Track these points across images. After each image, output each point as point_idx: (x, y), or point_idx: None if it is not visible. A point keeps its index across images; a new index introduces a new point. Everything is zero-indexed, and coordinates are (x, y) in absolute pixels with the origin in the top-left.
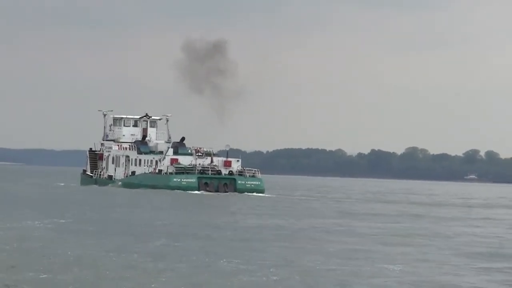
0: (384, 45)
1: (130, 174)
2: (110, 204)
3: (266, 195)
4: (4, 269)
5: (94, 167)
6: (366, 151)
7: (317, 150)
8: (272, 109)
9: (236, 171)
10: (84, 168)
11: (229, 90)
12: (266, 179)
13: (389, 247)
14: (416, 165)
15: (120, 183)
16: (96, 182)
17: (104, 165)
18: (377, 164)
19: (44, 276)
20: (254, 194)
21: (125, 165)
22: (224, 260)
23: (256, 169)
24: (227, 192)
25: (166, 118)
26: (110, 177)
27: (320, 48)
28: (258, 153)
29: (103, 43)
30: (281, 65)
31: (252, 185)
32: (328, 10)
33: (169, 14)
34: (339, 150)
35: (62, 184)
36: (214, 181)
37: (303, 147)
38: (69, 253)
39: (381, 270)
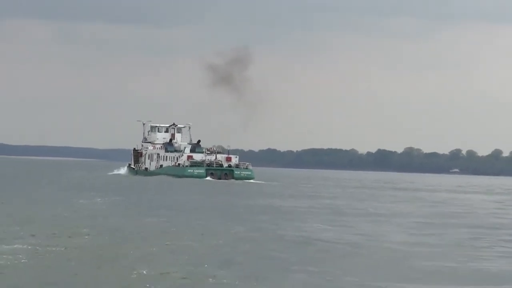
0: (385, 66)
1: (159, 166)
2: (145, 188)
3: (255, 181)
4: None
5: (136, 161)
6: (374, 150)
7: (335, 149)
8: (302, 117)
9: (234, 164)
10: (130, 163)
11: (254, 98)
12: (288, 172)
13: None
14: (412, 161)
15: (152, 172)
16: (136, 172)
17: (143, 160)
18: (382, 161)
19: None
20: (247, 180)
21: (156, 160)
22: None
23: (248, 163)
24: (227, 179)
25: (189, 126)
26: (146, 169)
27: (335, 68)
28: (290, 152)
29: (151, 66)
30: (304, 82)
31: (245, 174)
32: (347, 39)
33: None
34: (353, 149)
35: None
36: (218, 172)
37: (325, 147)
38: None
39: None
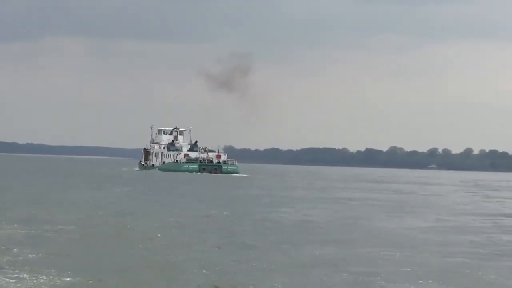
0: (372, 76)
1: (162, 163)
2: (150, 180)
3: (240, 175)
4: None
5: (146, 159)
6: (362, 148)
7: (329, 148)
8: (300, 120)
9: (222, 161)
10: (140, 160)
11: (257, 103)
12: (284, 168)
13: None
14: (395, 158)
15: (157, 168)
16: (145, 168)
17: (150, 157)
18: (370, 158)
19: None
20: (233, 174)
21: (160, 158)
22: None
23: (234, 159)
24: (216, 173)
25: (189, 129)
26: (152, 165)
27: (330, 78)
28: (290, 151)
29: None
30: (302, 90)
31: (231, 169)
32: (339, 52)
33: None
34: (344, 148)
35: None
36: (209, 167)
37: (321, 146)
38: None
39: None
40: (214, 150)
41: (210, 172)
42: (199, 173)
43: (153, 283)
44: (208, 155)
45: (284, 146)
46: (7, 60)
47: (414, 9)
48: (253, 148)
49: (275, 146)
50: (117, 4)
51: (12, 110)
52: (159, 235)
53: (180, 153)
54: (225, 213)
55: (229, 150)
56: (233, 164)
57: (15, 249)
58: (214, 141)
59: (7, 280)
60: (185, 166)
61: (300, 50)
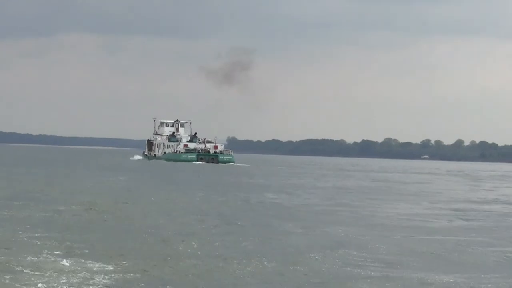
0: (369, 71)
1: (163, 153)
2: (152, 169)
3: (236, 164)
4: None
5: (149, 149)
6: (359, 140)
7: (327, 139)
8: (300, 113)
9: (219, 151)
10: (144, 150)
11: (260, 97)
12: (283, 158)
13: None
14: (390, 149)
15: (160, 158)
16: (148, 158)
17: (153, 148)
18: (366, 149)
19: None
20: (229, 163)
21: (162, 148)
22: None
23: (230, 150)
24: (213, 162)
25: (190, 122)
26: (155, 155)
27: (328, 73)
28: (290, 142)
29: (176, 71)
30: (301, 84)
31: (227, 159)
32: (337, 49)
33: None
34: (342, 139)
35: (138, 158)
36: (206, 157)
37: (319, 138)
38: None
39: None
40: (212, 141)
41: (207, 162)
42: (197, 163)
43: (155, 260)
44: (205, 145)
45: (284, 138)
46: (21, 55)
47: (409, 8)
48: (254, 139)
49: (276, 138)
50: (125, 2)
51: (26, 103)
52: (161, 216)
53: (179, 144)
54: (219, 199)
55: (232, 141)
56: (229, 154)
57: (31, 229)
58: (218, 133)
59: (25, 258)
60: (183, 156)
61: (299, 45)
